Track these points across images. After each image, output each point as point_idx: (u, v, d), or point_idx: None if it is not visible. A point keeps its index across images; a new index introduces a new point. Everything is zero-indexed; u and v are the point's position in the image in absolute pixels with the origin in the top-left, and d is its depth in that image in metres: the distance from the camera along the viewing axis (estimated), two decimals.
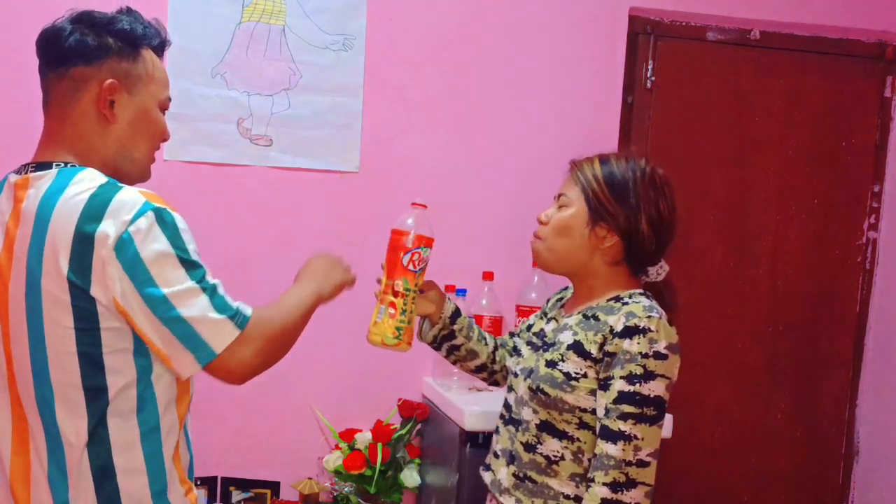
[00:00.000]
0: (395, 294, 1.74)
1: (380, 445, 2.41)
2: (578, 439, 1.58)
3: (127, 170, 1.43)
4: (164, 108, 1.47)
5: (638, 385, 1.51)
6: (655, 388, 1.51)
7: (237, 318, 1.35)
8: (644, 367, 1.51)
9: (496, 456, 1.72)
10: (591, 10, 2.59)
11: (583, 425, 1.57)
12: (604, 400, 1.54)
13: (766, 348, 2.75)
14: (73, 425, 1.31)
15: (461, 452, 2.12)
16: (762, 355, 2.75)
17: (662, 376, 1.52)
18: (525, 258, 2.42)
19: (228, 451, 2.49)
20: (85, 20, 1.40)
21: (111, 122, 1.39)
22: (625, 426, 1.50)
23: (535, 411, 1.62)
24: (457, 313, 1.84)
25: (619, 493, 1.50)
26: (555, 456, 1.59)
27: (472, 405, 2.14)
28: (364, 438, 2.45)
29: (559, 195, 1.68)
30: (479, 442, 2.12)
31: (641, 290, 1.64)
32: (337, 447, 2.49)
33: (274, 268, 2.51)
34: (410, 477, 2.44)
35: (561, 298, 1.80)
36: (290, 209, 2.51)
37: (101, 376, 1.30)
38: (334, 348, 2.54)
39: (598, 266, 1.64)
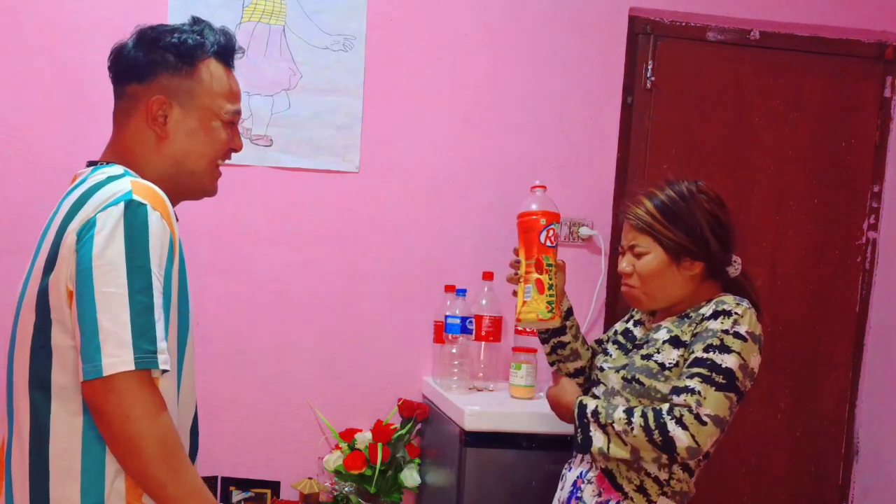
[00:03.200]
0: (540, 270, 1.83)
1: (380, 445, 2.41)
2: None
3: (186, 184, 1.42)
4: (227, 120, 1.42)
5: (712, 353, 1.63)
6: (728, 361, 1.62)
7: (146, 355, 1.19)
8: (722, 340, 1.64)
9: None
10: (591, 10, 2.59)
11: None
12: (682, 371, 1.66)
13: (766, 348, 2.74)
14: (22, 420, 1.28)
15: (461, 452, 2.12)
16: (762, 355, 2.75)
17: (738, 353, 1.64)
18: None
19: (228, 451, 2.49)
20: (139, 37, 1.39)
21: (163, 138, 1.38)
22: (691, 382, 1.62)
23: (627, 400, 1.74)
24: (570, 311, 1.96)
25: (669, 418, 1.60)
26: None
27: (472, 405, 2.14)
28: (364, 438, 2.45)
29: (631, 246, 1.78)
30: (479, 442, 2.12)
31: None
32: (337, 447, 2.49)
33: (274, 268, 2.52)
34: (410, 477, 2.44)
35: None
36: (290, 209, 2.51)
37: (48, 370, 1.26)
38: (334, 348, 2.55)
39: (690, 288, 1.77)
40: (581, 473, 1.79)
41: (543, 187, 1.93)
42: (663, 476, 1.70)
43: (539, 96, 2.59)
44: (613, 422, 1.67)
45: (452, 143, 2.57)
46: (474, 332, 2.41)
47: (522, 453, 2.12)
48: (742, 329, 1.66)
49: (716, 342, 1.64)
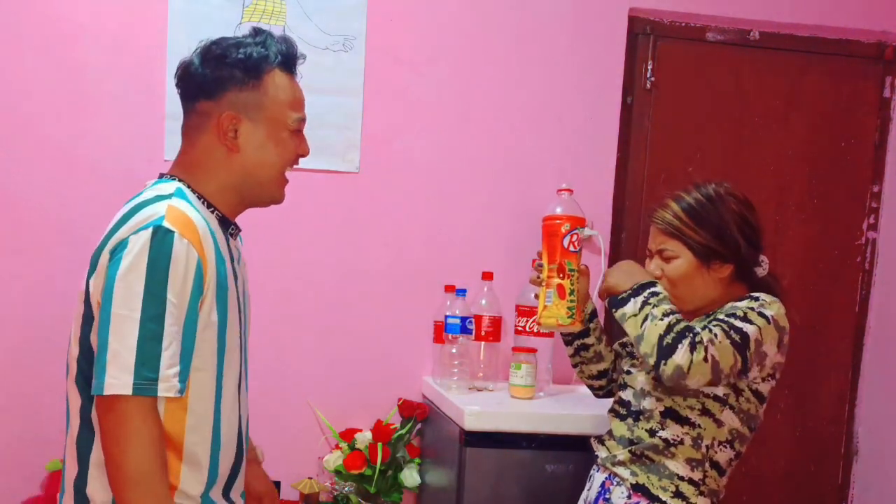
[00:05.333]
0: (562, 276, 1.83)
1: (380, 445, 2.41)
2: (699, 426, 1.68)
3: (254, 194, 1.45)
4: (294, 129, 1.44)
5: (733, 318, 1.64)
6: (746, 327, 1.62)
7: (145, 382, 1.22)
8: (745, 312, 1.64)
9: (611, 437, 1.82)
10: (590, 10, 2.59)
11: (705, 412, 1.68)
12: None
13: None
14: (73, 414, 1.35)
15: (461, 452, 2.12)
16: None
17: (758, 328, 1.63)
18: (524, 258, 2.43)
19: None
20: (205, 53, 1.40)
21: (235, 153, 1.40)
22: (712, 326, 1.63)
23: (658, 399, 1.73)
24: (594, 313, 1.94)
25: (690, 337, 1.58)
26: (674, 439, 1.70)
27: (471, 405, 2.14)
28: (364, 438, 2.45)
29: (659, 250, 1.77)
30: (479, 441, 2.12)
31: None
32: (337, 447, 2.49)
33: (274, 268, 2.51)
34: (410, 477, 2.45)
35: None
36: (290, 209, 2.50)
37: (90, 370, 1.30)
38: (334, 348, 2.55)
39: (719, 290, 1.76)
40: (609, 476, 1.78)
41: (570, 191, 1.92)
42: (697, 476, 1.69)
43: (539, 96, 2.59)
44: (654, 307, 1.63)
45: (452, 144, 2.57)
46: (474, 332, 2.41)
47: (522, 453, 2.12)
48: (767, 311, 1.65)
49: (739, 313, 1.64)
